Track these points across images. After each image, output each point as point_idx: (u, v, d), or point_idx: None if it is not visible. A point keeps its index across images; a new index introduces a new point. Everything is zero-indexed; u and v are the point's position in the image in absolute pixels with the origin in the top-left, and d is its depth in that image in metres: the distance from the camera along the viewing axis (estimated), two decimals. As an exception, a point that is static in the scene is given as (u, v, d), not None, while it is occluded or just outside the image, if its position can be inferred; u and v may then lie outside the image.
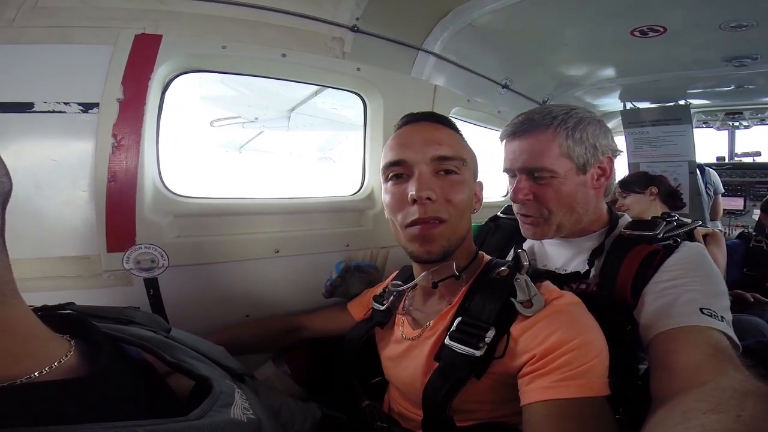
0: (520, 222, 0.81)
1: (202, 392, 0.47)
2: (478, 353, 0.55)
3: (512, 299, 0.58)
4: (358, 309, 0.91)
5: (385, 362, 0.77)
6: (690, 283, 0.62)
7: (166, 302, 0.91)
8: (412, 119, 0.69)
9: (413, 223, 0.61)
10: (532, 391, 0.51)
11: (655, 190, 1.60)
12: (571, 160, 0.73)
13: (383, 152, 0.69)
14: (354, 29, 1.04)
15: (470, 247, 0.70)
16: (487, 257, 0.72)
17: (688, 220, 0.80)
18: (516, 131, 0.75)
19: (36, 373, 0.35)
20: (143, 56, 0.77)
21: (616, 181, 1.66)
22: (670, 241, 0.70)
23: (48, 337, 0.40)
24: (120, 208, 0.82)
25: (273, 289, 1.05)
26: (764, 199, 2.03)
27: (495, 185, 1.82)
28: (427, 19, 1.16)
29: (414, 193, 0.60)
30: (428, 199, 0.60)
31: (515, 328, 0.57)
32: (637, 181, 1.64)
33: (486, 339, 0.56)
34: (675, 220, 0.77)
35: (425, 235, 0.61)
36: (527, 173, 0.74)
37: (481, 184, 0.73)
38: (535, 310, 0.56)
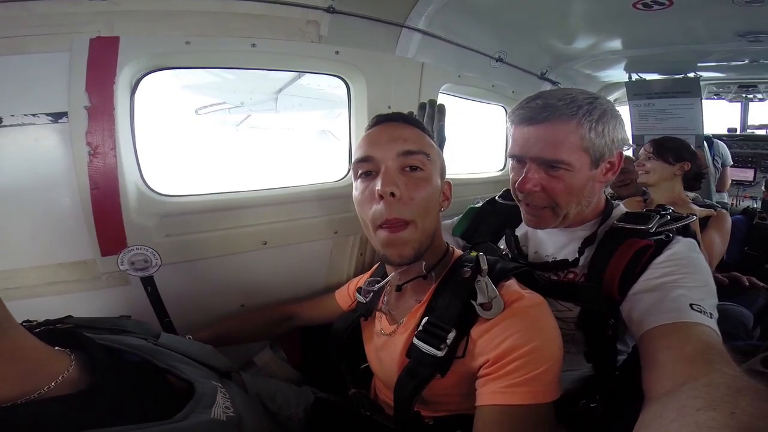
0: (522, 210, 0.79)
1: (189, 393, 0.51)
2: (439, 354, 0.58)
3: (473, 302, 0.59)
4: (345, 298, 0.95)
5: (369, 354, 0.81)
6: (680, 279, 0.62)
7: (165, 298, 0.96)
8: (382, 120, 0.70)
9: (381, 226, 0.63)
10: (484, 395, 0.55)
11: (686, 166, 1.45)
12: (587, 154, 0.69)
13: (354, 150, 0.71)
14: (330, 10, 0.97)
15: (439, 245, 0.70)
16: (458, 252, 0.73)
17: (683, 214, 0.77)
18: (534, 117, 0.69)
19: (45, 389, 0.40)
20: (103, 60, 0.75)
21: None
22: (663, 236, 0.69)
23: (50, 355, 0.44)
24: (107, 214, 0.84)
25: (264, 279, 1.08)
26: None
27: (490, 159, 1.78)
28: (409, -7, 1.07)
29: (379, 188, 0.61)
30: (392, 195, 0.61)
31: (475, 330, 0.59)
32: (674, 150, 1.45)
33: (447, 340, 0.58)
34: (669, 214, 0.75)
35: (395, 239, 0.62)
36: (540, 163, 0.71)
37: (449, 183, 0.72)
38: (494, 313, 0.58)
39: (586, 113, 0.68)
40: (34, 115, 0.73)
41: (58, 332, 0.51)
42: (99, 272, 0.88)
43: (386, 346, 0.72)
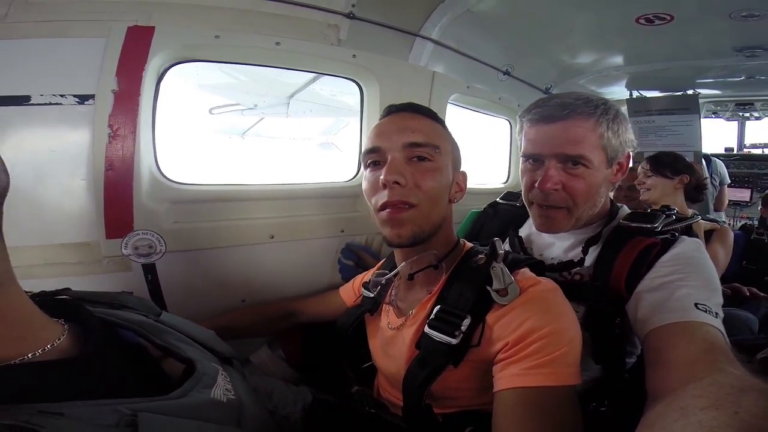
0: (534, 213, 0.77)
1: (188, 374, 0.50)
2: (454, 341, 0.57)
3: (488, 288, 0.59)
4: (350, 294, 0.93)
5: (373, 350, 0.79)
6: (685, 278, 0.62)
7: (164, 287, 0.95)
8: (393, 110, 0.70)
9: (383, 207, 0.63)
10: (503, 379, 0.53)
11: (686, 179, 1.45)
12: (604, 153, 0.70)
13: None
14: (350, 16, 1.03)
15: (450, 236, 0.70)
16: (469, 245, 0.72)
17: (689, 213, 0.78)
18: (554, 115, 0.69)
19: (30, 355, 0.38)
20: (136, 48, 0.78)
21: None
22: (668, 235, 0.69)
23: (43, 322, 0.42)
24: (118, 196, 0.85)
25: (269, 274, 1.08)
26: (765, 193, 1.98)
27: (495, 172, 1.81)
28: (425, 4, 1.14)
29: (383, 177, 0.61)
30: (396, 183, 0.61)
31: (491, 317, 0.58)
32: (670, 165, 1.46)
33: (462, 327, 0.57)
34: (674, 214, 0.76)
35: (394, 219, 0.62)
36: (561, 160, 0.70)
37: (464, 174, 0.72)
38: (510, 299, 0.57)
39: (603, 112, 0.69)
40: (61, 95, 0.75)
41: (54, 302, 0.49)
42: (101, 255, 0.87)
43: (394, 340, 0.71)
